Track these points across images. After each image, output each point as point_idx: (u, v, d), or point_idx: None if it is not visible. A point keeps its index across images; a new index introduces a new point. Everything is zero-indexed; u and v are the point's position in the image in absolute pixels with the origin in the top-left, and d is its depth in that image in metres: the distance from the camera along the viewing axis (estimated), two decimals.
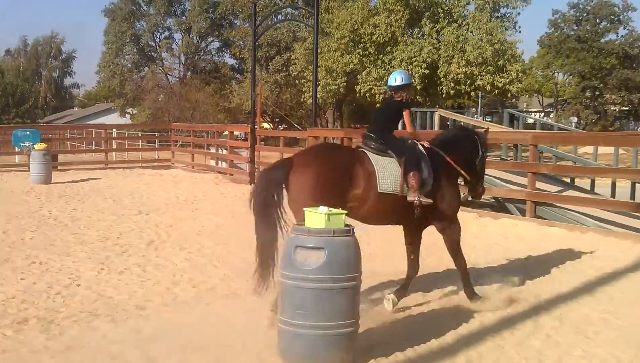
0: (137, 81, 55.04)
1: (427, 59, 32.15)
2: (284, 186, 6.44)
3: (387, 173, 6.72)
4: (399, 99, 7.25)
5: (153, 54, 58.76)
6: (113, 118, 58.27)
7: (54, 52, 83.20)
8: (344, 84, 34.59)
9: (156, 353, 5.70)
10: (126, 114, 57.86)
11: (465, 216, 12.41)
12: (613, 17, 61.79)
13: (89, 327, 6.44)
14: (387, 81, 7.51)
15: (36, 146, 20.17)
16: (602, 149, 19.19)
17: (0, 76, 70.78)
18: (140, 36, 57.05)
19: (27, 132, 23.27)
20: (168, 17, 57.61)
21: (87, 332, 6.29)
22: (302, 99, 38.40)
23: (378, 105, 9.19)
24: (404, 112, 7.26)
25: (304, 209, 5.60)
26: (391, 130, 7.27)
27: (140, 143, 33.86)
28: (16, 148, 23.86)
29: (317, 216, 5.44)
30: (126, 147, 32.84)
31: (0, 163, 25.63)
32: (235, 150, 21.77)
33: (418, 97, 33.52)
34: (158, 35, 58.61)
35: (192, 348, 5.80)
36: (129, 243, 10.55)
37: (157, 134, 35.12)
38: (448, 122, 23.78)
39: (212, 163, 23.98)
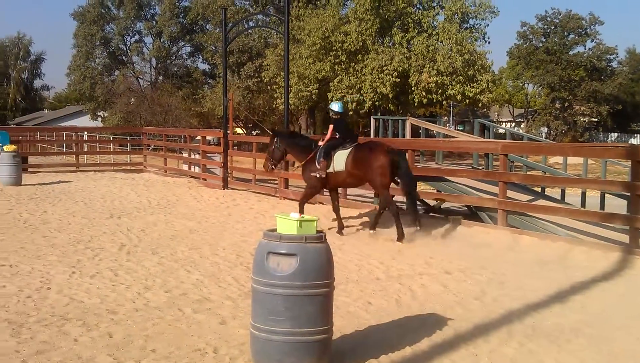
0: (108, 84, 54.62)
1: (398, 68, 32.34)
2: None
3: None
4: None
5: (124, 57, 58.37)
6: (84, 121, 57.71)
7: (22, 53, 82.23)
8: (316, 90, 34.67)
9: (127, 358, 5.67)
10: (97, 117, 57.35)
11: (439, 222, 12.55)
12: (580, 30, 62.86)
13: (60, 331, 6.36)
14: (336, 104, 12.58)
15: (5, 148, 19.90)
16: (572, 160, 19.43)
17: None
18: (110, 39, 56.63)
19: None
20: (138, 20, 57.28)
21: (58, 336, 6.22)
22: (274, 105, 38.44)
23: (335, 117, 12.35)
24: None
25: (275, 215, 5.64)
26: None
27: (112, 146, 33.55)
28: None
29: (288, 223, 5.46)
30: (98, 150, 32.52)
31: None
32: (208, 155, 21.69)
33: (390, 105, 33.74)
34: (128, 39, 58.28)
35: (163, 354, 5.78)
36: (101, 247, 10.46)
37: (129, 138, 34.92)
38: (420, 130, 23.92)
39: (185, 167, 23.86)
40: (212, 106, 43.60)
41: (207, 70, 57.05)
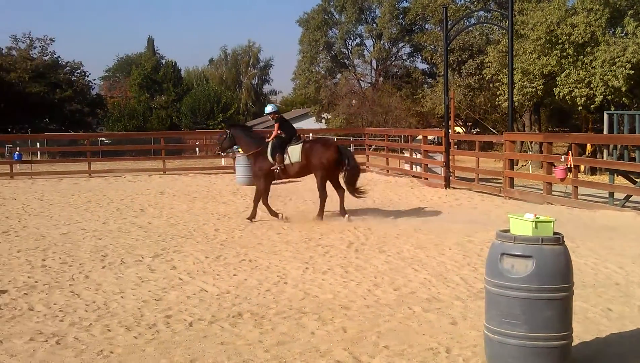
0: (331, 87, 56.50)
1: (632, 59, 30.14)
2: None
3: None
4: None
5: (345, 60, 60.05)
6: (309, 123, 60.22)
7: (252, 60, 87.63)
8: (542, 86, 33.31)
9: (361, 353, 5.83)
10: (322, 119, 59.62)
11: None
12: None
13: (297, 323, 6.70)
14: None
15: (241, 150, 21.29)
16: None
17: (206, 83, 75.69)
18: (332, 44, 58.54)
19: None
20: (359, 24, 58.63)
21: (296, 328, 6.56)
22: (496, 103, 37.48)
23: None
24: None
25: (509, 215, 5.50)
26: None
27: None
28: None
29: (523, 223, 5.30)
30: None
31: (208, 165, 27.52)
32: (430, 154, 21.69)
33: (624, 99, 31.57)
34: (350, 43, 59.84)
35: (396, 351, 5.86)
36: (330, 244, 10.86)
37: (351, 138, 35.96)
38: None
39: (407, 166, 24.06)
40: (432, 106, 43.51)
41: (426, 70, 57.11)
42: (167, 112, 65.15)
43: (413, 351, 5.87)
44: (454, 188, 19.17)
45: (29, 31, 72.91)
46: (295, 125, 62.44)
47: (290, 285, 8.20)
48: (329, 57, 58.35)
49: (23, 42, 57.19)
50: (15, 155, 25.40)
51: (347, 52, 59.83)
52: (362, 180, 22.13)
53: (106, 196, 18.17)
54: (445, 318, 6.82)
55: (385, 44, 57.37)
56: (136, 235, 12.09)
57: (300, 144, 13.62)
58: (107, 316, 7.00)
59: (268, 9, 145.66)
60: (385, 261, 9.54)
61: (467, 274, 8.72)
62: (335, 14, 58.46)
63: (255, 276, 8.71)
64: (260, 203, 13.71)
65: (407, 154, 24.34)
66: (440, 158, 20.72)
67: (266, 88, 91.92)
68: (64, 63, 59.29)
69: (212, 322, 6.75)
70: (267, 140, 14.03)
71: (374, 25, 57.75)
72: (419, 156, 22.27)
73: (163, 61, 75.26)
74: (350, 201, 14.42)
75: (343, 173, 13.72)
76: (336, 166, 13.60)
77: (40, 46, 57.51)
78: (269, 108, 14.37)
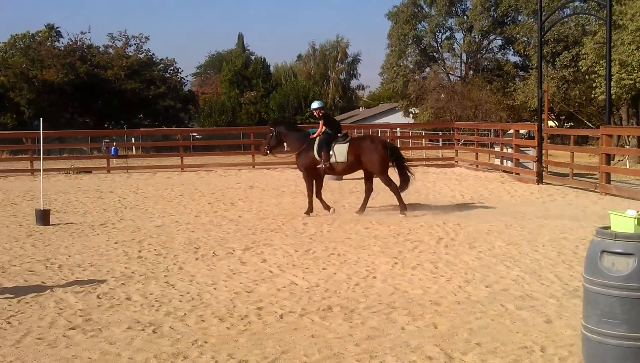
0: (420, 82, 56.00)
1: None
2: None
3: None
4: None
5: (435, 54, 59.37)
6: (397, 118, 59.94)
7: (340, 55, 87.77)
8: None
9: (453, 350, 5.75)
10: (409, 114, 59.20)
11: None
12: None
13: (387, 318, 6.67)
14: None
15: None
16: None
17: (294, 79, 76.42)
18: (422, 37, 57.97)
19: None
20: (449, 17, 57.82)
21: (386, 323, 6.53)
22: (592, 95, 36.27)
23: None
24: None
25: (610, 212, 5.30)
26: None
27: (423, 142, 34.42)
28: None
29: (625, 220, 5.09)
30: (410, 146, 33.60)
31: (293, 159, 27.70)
32: (521, 149, 21.18)
33: None
34: (439, 36, 59.11)
35: (488, 349, 5.75)
36: (419, 239, 10.77)
37: (440, 133, 35.58)
38: None
39: (497, 161, 23.60)
40: (524, 99, 42.48)
41: (518, 62, 55.82)
42: (256, 107, 66.13)
43: (506, 349, 5.74)
44: (547, 184, 18.67)
45: (124, 29, 75.43)
46: (382, 120, 62.18)
47: (379, 280, 8.17)
48: (417, 51, 57.81)
49: (119, 41, 59.21)
50: (112, 150, 26.32)
51: (436, 45, 59.15)
52: (448, 175, 22.01)
53: (198, 190, 18.60)
54: (540, 316, 6.64)
55: (476, 36, 56.40)
56: (227, 228, 12.32)
57: (347, 144, 13.56)
58: (200, 307, 7.16)
59: (356, 3, 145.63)
60: (476, 258, 9.38)
61: (562, 272, 8.48)
62: (424, 7, 57.87)
63: (344, 270, 8.73)
64: (316, 197, 13.90)
65: (497, 149, 23.87)
66: (532, 152, 20.22)
67: (353, 83, 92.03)
68: (158, 60, 61.04)
69: (302, 315, 6.81)
70: (312, 136, 14.02)
71: (465, 17, 56.84)
72: (509, 150, 21.78)
73: (253, 57, 76.35)
74: (439, 196, 14.26)
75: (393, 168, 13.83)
76: (385, 160, 13.61)
77: (135, 44, 59.39)
78: (315, 104, 14.30)
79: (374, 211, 13.96)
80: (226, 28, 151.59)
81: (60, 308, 7.19)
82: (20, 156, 28.29)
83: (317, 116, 14.18)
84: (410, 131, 36.32)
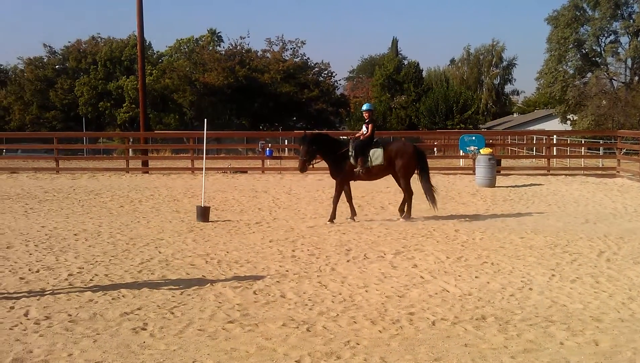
0: (580, 87, 53.68)
1: None
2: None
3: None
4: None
5: (597, 59, 56.69)
6: (553, 124, 57.76)
7: (495, 60, 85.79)
8: None
9: None
10: (567, 121, 56.87)
11: None
12: None
13: (545, 332, 6.43)
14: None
15: (481, 151, 21.00)
16: None
17: (445, 83, 75.51)
18: (584, 41, 55.56)
19: (473, 138, 24.29)
20: (614, 20, 55.00)
21: (543, 337, 6.30)
22: None
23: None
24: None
25: None
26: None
27: (582, 150, 32.92)
28: (461, 152, 25.20)
29: None
30: (567, 154, 32.25)
31: (445, 165, 27.41)
32: None
33: None
34: (603, 40, 56.37)
35: None
36: (579, 252, 10.30)
37: (600, 141, 33.89)
38: None
39: None
40: None
41: None
42: (407, 112, 65.92)
43: None
44: None
45: (282, 34, 77.60)
46: (538, 126, 60.18)
47: (535, 292, 7.90)
48: (578, 56, 55.52)
49: (276, 45, 61.06)
50: (267, 151, 27.13)
51: (599, 49, 56.49)
52: (609, 185, 20.84)
53: None
54: None
55: None
56: (378, 231, 12.36)
57: (382, 148, 13.74)
58: (352, 309, 7.23)
59: (512, 7, 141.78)
60: None
61: None
62: (587, 10, 55.43)
63: (498, 279, 8.50)
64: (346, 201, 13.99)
65: None
66: None
67: (508, 88, 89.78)
68: (312, 64, 62.37)
69: (455, 323, 6.70)
70: (358, 139, 13.92)
71: (631, 21, 53.85)
72: None
73: (405, 62, 76.23)
74: (599, 207, 13.49)
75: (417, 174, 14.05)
76: (414, 167, 13.95)
77: (291, 48, 61.03)
78: (365, 106, 14.32)
79: (513, 219, 13.50)
80: (380, 32, 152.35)
81: (220, 302, 7.50)
82: (181, 155, 29.80)
83: (366, 118, 14.16)
84: (568, 139, 34.83)
